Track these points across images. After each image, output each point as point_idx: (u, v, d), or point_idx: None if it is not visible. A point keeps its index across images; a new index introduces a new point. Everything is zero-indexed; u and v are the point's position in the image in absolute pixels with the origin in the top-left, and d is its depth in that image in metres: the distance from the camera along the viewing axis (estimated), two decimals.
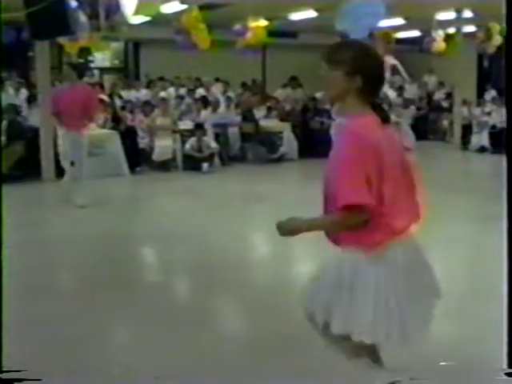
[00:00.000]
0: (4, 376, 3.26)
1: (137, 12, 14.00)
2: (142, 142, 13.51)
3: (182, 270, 6.67)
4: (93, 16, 12.67)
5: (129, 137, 13.21)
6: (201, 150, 13.17)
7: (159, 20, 15.81)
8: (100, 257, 6.99)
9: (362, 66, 2.86)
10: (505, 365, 3.09)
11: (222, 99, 15.86)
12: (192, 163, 13.09)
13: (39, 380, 3.33)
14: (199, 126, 13.49)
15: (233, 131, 14.47)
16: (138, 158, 13.26)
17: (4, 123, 12.84)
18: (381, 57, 3.02)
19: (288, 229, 3.04)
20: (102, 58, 20.55)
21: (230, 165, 13.85)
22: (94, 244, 7.59)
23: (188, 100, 16.00)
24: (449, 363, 4.09)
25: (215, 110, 14.89)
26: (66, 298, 5.76)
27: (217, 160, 13.51)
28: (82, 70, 18.55)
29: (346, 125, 2.90)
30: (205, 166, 13.01)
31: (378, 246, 2.85)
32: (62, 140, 9.66)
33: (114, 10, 13.16)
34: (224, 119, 14.63)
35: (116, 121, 13.53)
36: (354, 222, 2.82)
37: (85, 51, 14.87)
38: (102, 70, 20.88)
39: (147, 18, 15.60)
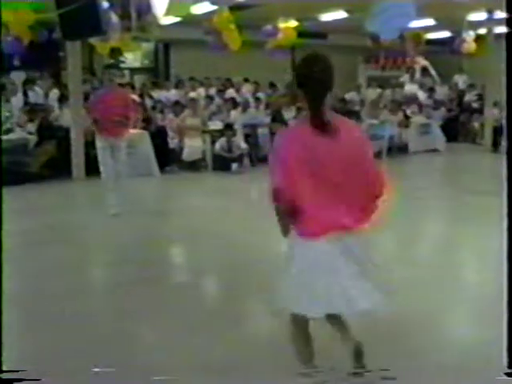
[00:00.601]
0: (4, 376, 3.32)
1: (167, 13, 14.06)
2: (172, 141, 13.56)
3: (211, 270, 6.66)
4: (124, 16, 12.72)
5: (159, 137, 13.26)
6: (230, 151, 13.19)
7: (189, 21, 15.83)
8: (130, 256, 7.01)
9: (300, 80, 3.25)
10: (505, 365, 3.15)
11: (251, 100, 15.84)
12: (221, 163, 13.11)
13: (38, 380, 3.41)
14: (229, 127, 13.50)
15: (262, 132, 14.46)
16: (167, 157, 13.31)
17: (35, 123, 12.98)
18: (319, 69, 3.25)
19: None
20: (132, 58, 20.67)
21: (260, 165, 13.84)
22: (123, 243, 7.62)
23: (218, 100, 16.03)
24: (449, 363, 4.12)
25: (245, 110, 14.89)
26: (94, 297, 5.78)
27: (246, 160, 13.51)
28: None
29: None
30: (234, 166, 13.02)
31: (311, 235, 3.22)
32: (100, 147, 9.11)
33: (146, 10, 13.21)
34: (254, 120, 14.62)
35: (146, 121, 13.58)
36: (281, 209, 3.24)
37: (116, 51, 14.91)
38: (133, 71, 20.99)
39: (177, 19, 15.64)
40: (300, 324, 3.50)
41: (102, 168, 9.07)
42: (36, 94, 15.43)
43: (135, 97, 14.59)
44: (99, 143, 9.04)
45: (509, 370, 3.17)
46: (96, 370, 3.94)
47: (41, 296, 5.64)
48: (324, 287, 3.22)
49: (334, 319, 3.52)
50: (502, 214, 3.40)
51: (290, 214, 3.23)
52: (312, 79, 3.20)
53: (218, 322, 4.92)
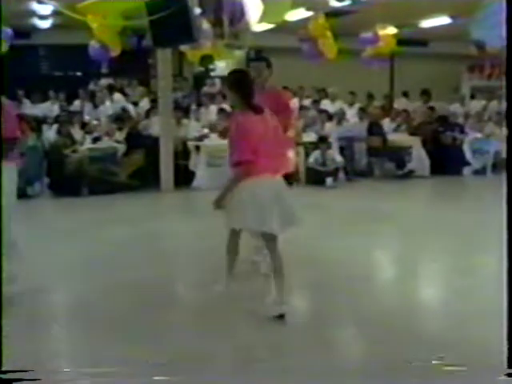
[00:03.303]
0: (4, 376, 3.54)
1: (261, 20, 14.17)
2: None
3: (300, 289, 6.58)
4: (216, 23, 12.89)
5: None
6: (325, 164, 13.16)
7: (283, 28, 15.91)
8: (217, 270, 6.99)
9: (236, 85, 5.33)
10: (505, 365, 3.38)
11: (348, 111, 15.78)
12: (315, 177, 13.09)
13: (38, 380, 3.67)
14: (323, 139, 13.47)
15: (359, 145, 14.38)
16: None
17: (124, 131, 13.28)
18: (246, 79, 5.41)
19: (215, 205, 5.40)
20: (223, 66, 20.88)
21: (355, 180, 13.75)
22: (211, 257, 7.56)
23: (312, 111, 16.02)
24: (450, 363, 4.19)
25: (340, 122, 14.85)
26: (184, 312, 5.84)
27: (341, 175, 13.45)
28: (203, 78, 19.00)
29: (238, 118, 5.34)
30: (329, 180, 12.97)
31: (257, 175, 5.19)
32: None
33: (239, 17, 13.35)
34: (350, 132, 14.56)
35: None
36: (243, 173, 5.20)
37: (206, 59, 15.13)
38: (224, 79, 21.14)
39: (271, 26, 15.74)
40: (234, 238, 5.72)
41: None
42: (115, 103, 15.76)
43: (227, 106, 14.68)
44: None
45: (509, 371, 3.39)
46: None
47: (122, 307, 5.77)
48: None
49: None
50: None
51: (246, 173, 5.19)
52: (245, 85, 5.31)
53: (306, 347, 4.87)
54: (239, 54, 20.23)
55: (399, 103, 18.00)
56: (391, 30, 16.09)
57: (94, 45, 13.48)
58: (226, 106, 14.88)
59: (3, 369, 3.59)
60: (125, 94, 16.78)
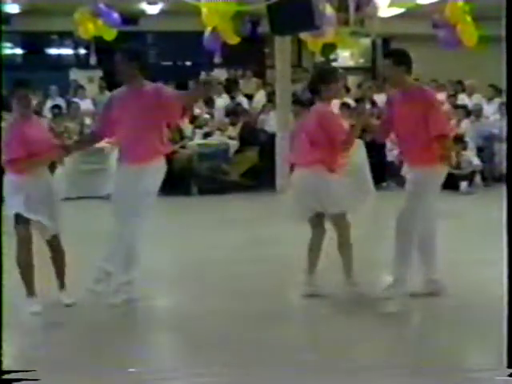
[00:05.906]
0: (3, 376, 3.79)
1: (391, 4, 14.13)
2: (391, 154, 13.54)
3: (421, 305, 6.54)
4: (341, 8, 12.91)
5: (375, 147, 13.30)
6: (459, 167, 12.99)
7: (415, 12, 15.79)
8: (333, 282, 7.03)
9: None
10: (505, 366, 3.63)
11: (486, 107, 15.50)
12: (448, 181, 12.84)
13: (37, 380, 3.86)
14: (459, 138, 13.29)
15: (500, 146, 14.10)
16: (384, 172, 13.33)
17: (237, 126, 13.50)
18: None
19: None
20: (346, 56, 20.85)
21: (495, 186, 13.46)
22: (323, 267, 7.56)
23: (447, 107, 15.81)
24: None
25: (478, 118, 14.61)
26: (305, 324, 5.94)
27: (478, 179, 13.24)
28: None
29: None
30: (463, 185, 12.78)
31: None
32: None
33: (366, 1, 13.37)
34: (490, 130, 14.28)
35: (362, 129, 13.65)
36: None
37: (328, 48, 15.14)
38: (346, 70, 21.06)
39: (401, 10, 15.66)
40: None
41: None
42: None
43: (350, 101, 14.73)
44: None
45: (509, 371, 3.64)
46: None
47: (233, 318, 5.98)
48: None
49: None
50: None
51: None
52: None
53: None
54: (365, 42, 20.23)
55: None
56: None
57: (207, 32, 13.72)
58: (350, 101, 14.90)
59: (3, 369, 3.86)
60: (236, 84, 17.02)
